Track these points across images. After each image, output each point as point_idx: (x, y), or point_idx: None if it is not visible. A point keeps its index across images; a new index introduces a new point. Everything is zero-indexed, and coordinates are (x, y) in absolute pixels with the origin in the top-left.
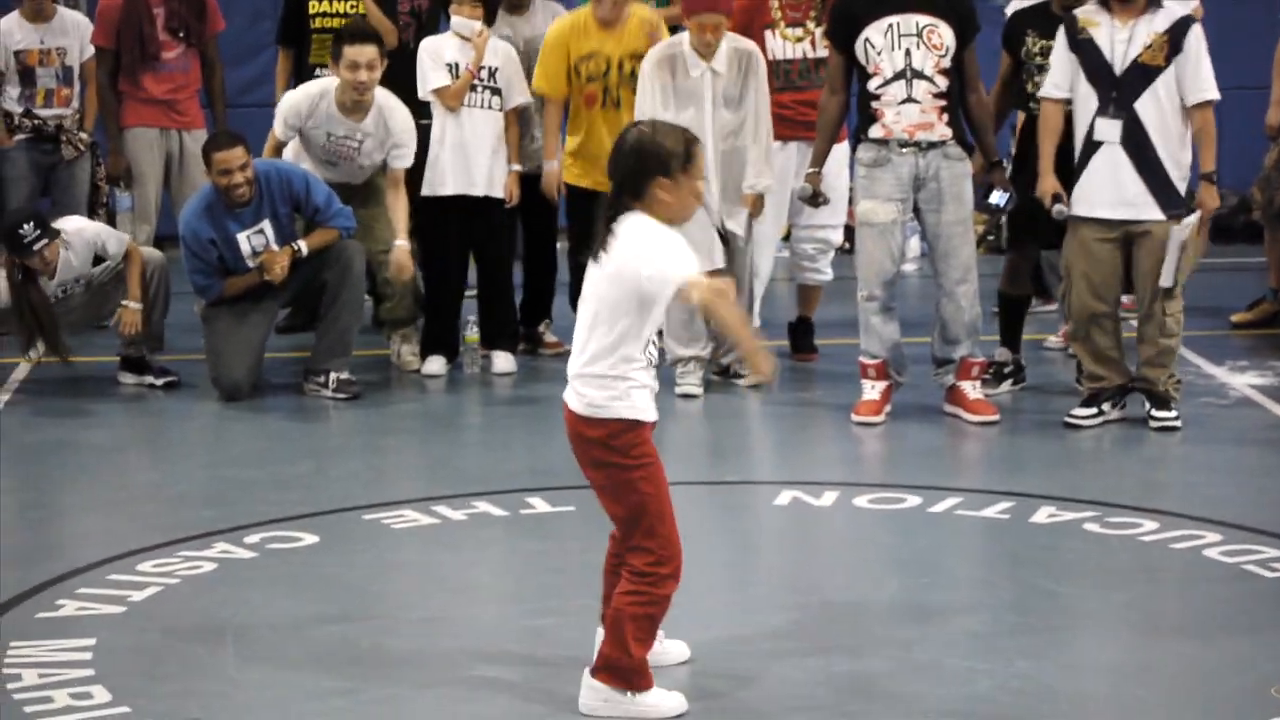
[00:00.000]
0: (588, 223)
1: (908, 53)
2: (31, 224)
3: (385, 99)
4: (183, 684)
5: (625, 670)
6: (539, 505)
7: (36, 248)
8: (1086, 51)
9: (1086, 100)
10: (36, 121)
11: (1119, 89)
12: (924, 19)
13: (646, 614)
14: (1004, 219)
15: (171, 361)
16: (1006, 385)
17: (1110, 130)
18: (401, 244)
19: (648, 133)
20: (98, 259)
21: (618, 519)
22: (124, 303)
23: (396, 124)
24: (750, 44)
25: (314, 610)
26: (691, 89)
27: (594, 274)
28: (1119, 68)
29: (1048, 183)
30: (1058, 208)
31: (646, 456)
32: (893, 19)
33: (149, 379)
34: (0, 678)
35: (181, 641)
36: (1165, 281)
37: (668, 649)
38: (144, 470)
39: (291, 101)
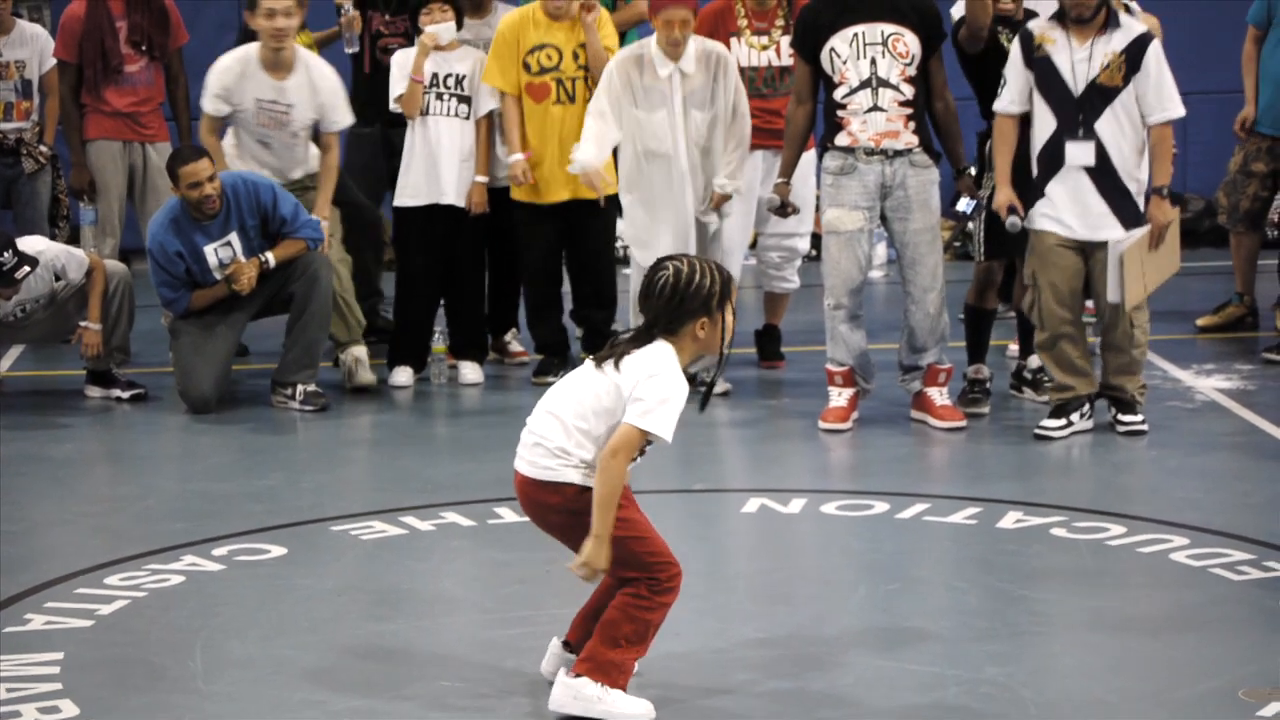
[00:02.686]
0: (537, 235)
1: (873, 61)
2: (10, 252)
3: (309, 57)
4: (151, 697)
5: (607, 665)
6: (507, 515)
7: (18, 276)
8: (1043, 70)
9: (1043, 117)
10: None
11: (1081, 110)
12: (889, 28)
13: (644, 618)
14: (978, 228)
15: (139, 374)
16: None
17: (1083, 154)
18: (321, 220)
19: (685, 272)
20: (57, 277)
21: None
22: (83, 324)
23: (324, 83)
24: (719, 45)
25: (282, 622)
26: (660, 90)
27: (595, 375)
28: (1077, 89)
29: (1004, 194)
30: (1011, 219)
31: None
32: (858, 28)
33: (115, 392)
34: None
35: (150, 654)
36: (1112, 298)
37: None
38: (111, 483)
39: (218, 68)
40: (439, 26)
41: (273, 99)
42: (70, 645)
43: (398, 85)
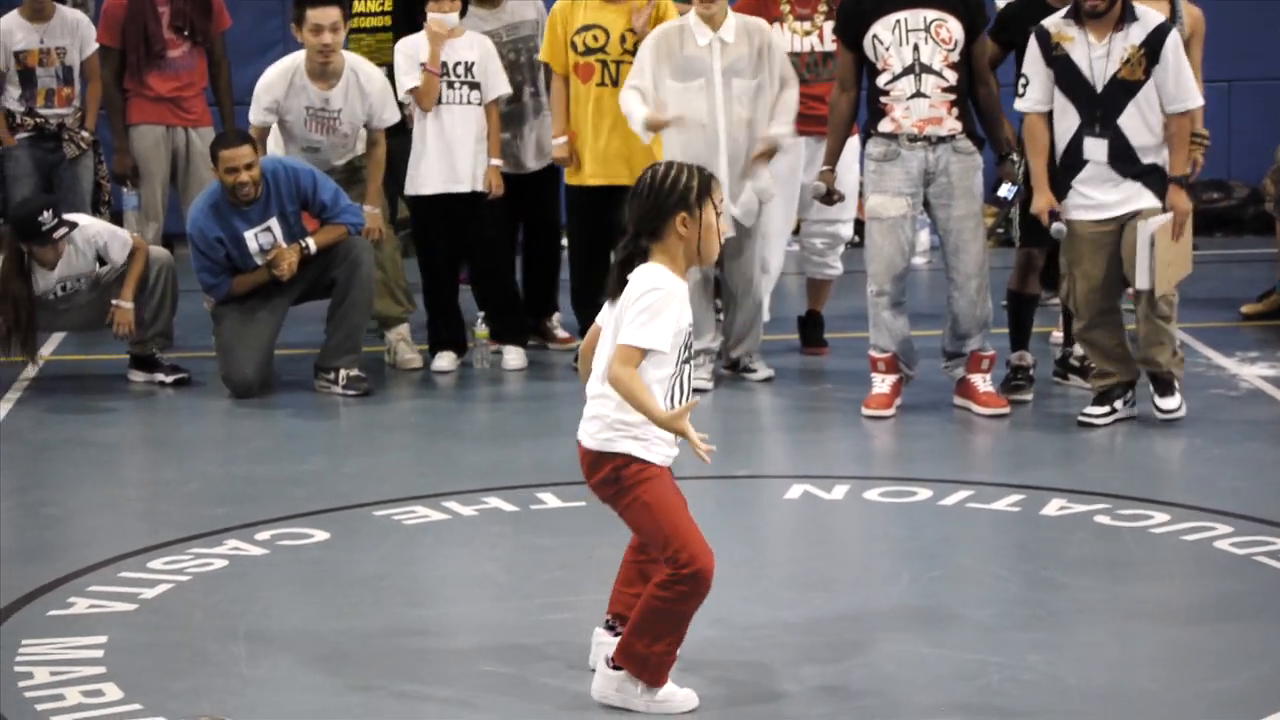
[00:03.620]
0: (587, 219)
1: (916, 48)
2: (50, 212)
3: (355, 61)
4: (194, 681)
5: (644, 661)
6: (549, 501)
7: (55, 236)
8: (1063, 68)
9: (1065, 113)
10: (38, 120)
11: (1101, 106)
12: (932, 13)
13: (672, 610)
14: (1016, 214)
15: (181, 359)
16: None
17: (1097, 149)
18: (371, 209)
19: (662, 170)
20: (100, 260)
21: (641, 538)
22: (115, 301)
23: (372, 85)
24: (761, 21)
25: (325, 607)
26: (699, 59)
27: (608, 317)
28: (1099, 85)
29: (1043, 199)
30: (1056, 226)
31: (645, 477)
32: (900, 14)
33: (159, 376)
34: (12, 675)
35: (193, 638)
36: (1141, 283)
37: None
38: (154, 468)
39: (266, 81)
40: (444, 15)
41: (321, 106)
42: (114, 629)
43: (406, 77)
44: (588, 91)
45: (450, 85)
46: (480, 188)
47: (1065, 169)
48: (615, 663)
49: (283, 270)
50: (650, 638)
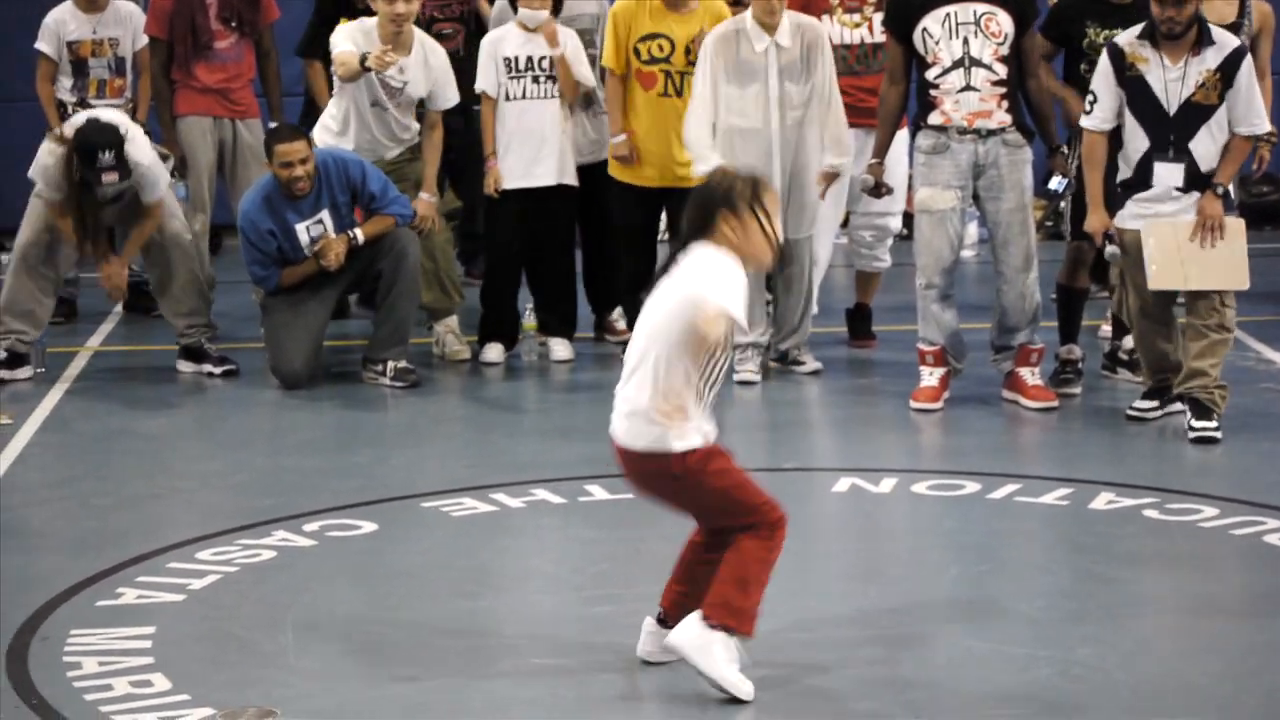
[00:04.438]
0: (635, 216)
1: (965, 41)
2: (110, 154)
3: (424, 37)
4: (242, 672)
5: (739, 611)
6: (597, 493)
7: (104, 180)
8: (1135, 89)
9: (1134, 135)
10: (90, 110)
11: (1173, 130)
12: (981, 7)
13: (769, 558)
14: (1067, 207)
15: (230, 350)
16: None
17: (1173, 175)
18: (426, 197)
19: (715, 176)
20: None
21: (708, 520)
22: (110, 259)
23: (437, 60)
24: (814, 20)
25: (373, 598)
26: (755, 63)
27: (649, 306)
28: (1172, 108)
29: (1097, 219)
30: (1110, 250)
31: (698, 459)
32: (950, 8)
33: (206, 367)
34: (61, 665)
35: (241, 629)
36: (1152, 284)
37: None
38: (203, 459)
39: (347, 31)
40: (535, 10)
41: (389, 74)
42: (162, 619)
43: (481, 77)
44: (649, 99)
45: (535, 80)
46: (566, 180)
47: (1129, 189)
48: (708, 616)
49: (330, 260)
50: (749, 588)
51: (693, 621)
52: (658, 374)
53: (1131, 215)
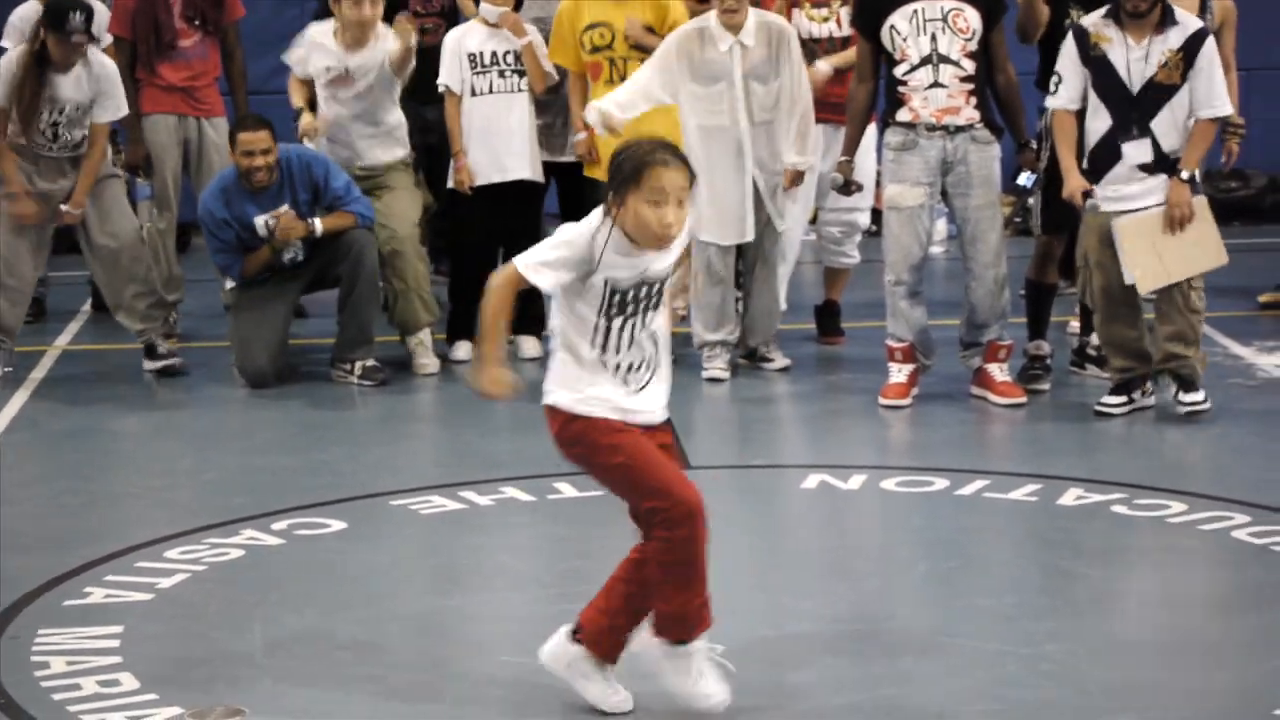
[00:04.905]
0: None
1: (933, 37)
2: (80, 16)
3: (382, 31)
4: (210, 670)
5: (672, 618)
6: (567, 490)
7: (74, 40)
8: (1100, 69)
9: (1098, 115)
10: None
11: (1136, 109)
12: (949, 3)
13: (671, 560)
14: (1036, 203)
15: (198, 349)
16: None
17: (1140, 153)
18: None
19: (619, 149)
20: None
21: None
22: (64, 207)
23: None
24: (781, 19)
25: (342, 596)
26: (720, 63)
27: None
28: (1135, 87)
29: (1075, 181)
30: (1090, 202)
31: (595, 438)
32: (918, 4)
33: (145, 364)
34: (28, 665)
35: (209, 628)
36: (1127, 278)
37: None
38: (170, 457)
39: (295, 52)
40: (494, 4)
41: (341, 72)
42: (130, 618)
43: (443, 72)
44: (596, 90)
45: (502, 74)
46: (528, 176)
47: (1095, 170)
48: (655, 635)
49: (285, 234)
50: (669, 593)
51: (649, 642)
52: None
53: (1102, 199)
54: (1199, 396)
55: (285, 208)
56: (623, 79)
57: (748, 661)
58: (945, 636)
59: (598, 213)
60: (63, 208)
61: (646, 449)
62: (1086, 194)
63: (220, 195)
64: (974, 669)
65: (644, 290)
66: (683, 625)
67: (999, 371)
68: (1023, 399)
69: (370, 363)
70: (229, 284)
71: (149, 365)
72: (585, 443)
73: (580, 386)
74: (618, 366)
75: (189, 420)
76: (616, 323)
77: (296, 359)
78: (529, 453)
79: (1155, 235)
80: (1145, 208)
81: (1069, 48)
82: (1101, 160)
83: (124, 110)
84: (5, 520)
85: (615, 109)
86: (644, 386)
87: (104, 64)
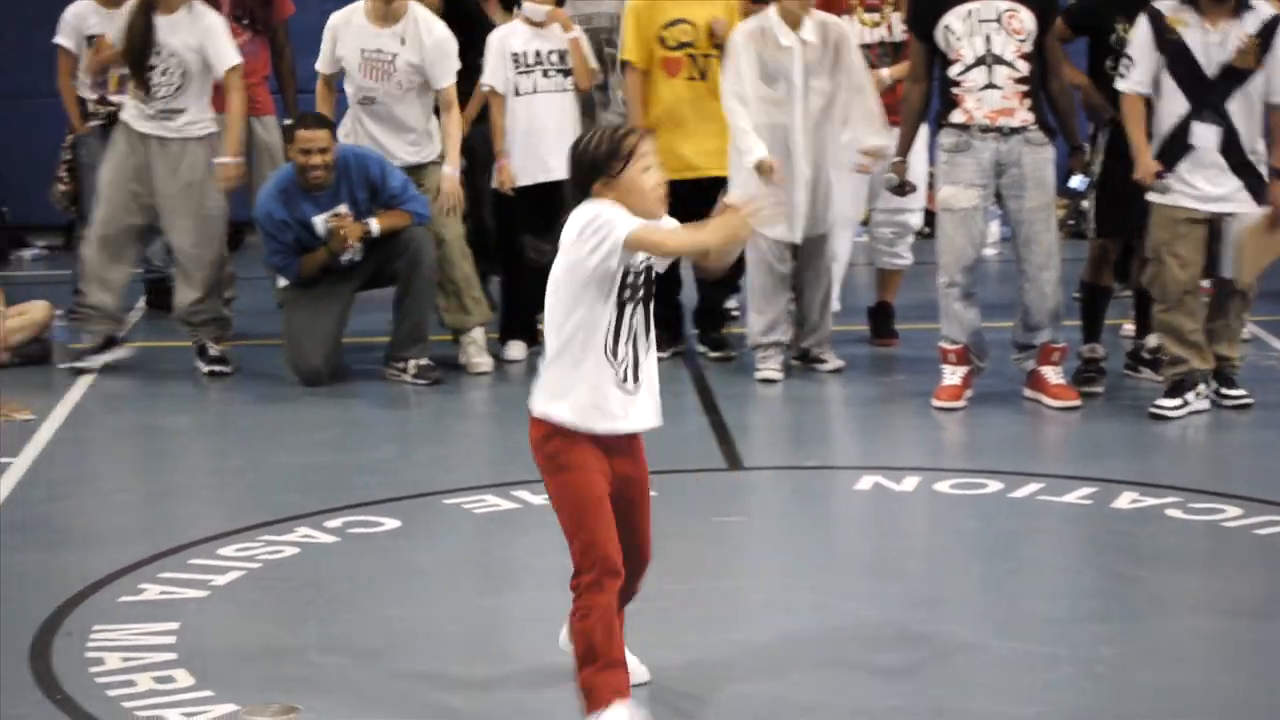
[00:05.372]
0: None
1: (988, 38)
2: None
3: (419, 9)
4: (265, 668)
5: (583, 689)
6: None
7: None
8: (1175, 53)
9: (1171, 97)
10: (110, 108)
11: (1211, 93)
12: (1004, 4)
13: (583, 628)
14: (1090, 205)
15: (251, 347)
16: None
17: (1208, 135)
18: (449, 171)
19: (580, 144)
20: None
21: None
22: (219, 160)
23: (432, 35)
24: (836, 19)
25: (395, 594)
26: (781, 59)
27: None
28: (1210, 71)
29: (1146, 163)
30: (1161, 183)
31: (566, 464)
32: (973, 5)
33: (207, 366)
34: (84, 661)
35: (264, 626)
36: (1226, 273)
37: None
38: (224, 455)
39: (328, 24)
40: (536, 5)
41: (377, 49)
42: (185, 615)
43: (487, 73)
44: (674, 85)
45: (545, 74)
46: None
47: (1168, 154)
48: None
49: (340, 242)
50: (582, 667)
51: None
52: (559, 336)
53: (1177, 191)
54: (1240, 390)
55: (343, 208)
56: (702, 75)
57: (798, 661)
58: (997, 639)
59: (593, 202)
60: (219, 160)
61: (602, 501)
62: (1159, 175)
63: (278, 196)
64: (1025, 672)
65: (643, 274)
66: (591, 697)
67: (1053, 374)
68: (1077, 402)
69: (424, 362)
70: (282, 281)
71: (201, 366)
72: (559, 461)
73: (577, 394)
74: (622, 361)
75: (242, 418)
76: (628, 310)
77: (349, 357)
78: None
79: (1261, 236)
80: (1215, 213)
81: (1142, 31)
82: (1176, 144)
83: (236, 57)
84: (60, 517)
85: (761, 143)
86: (638, 388)
87: (206, 13)
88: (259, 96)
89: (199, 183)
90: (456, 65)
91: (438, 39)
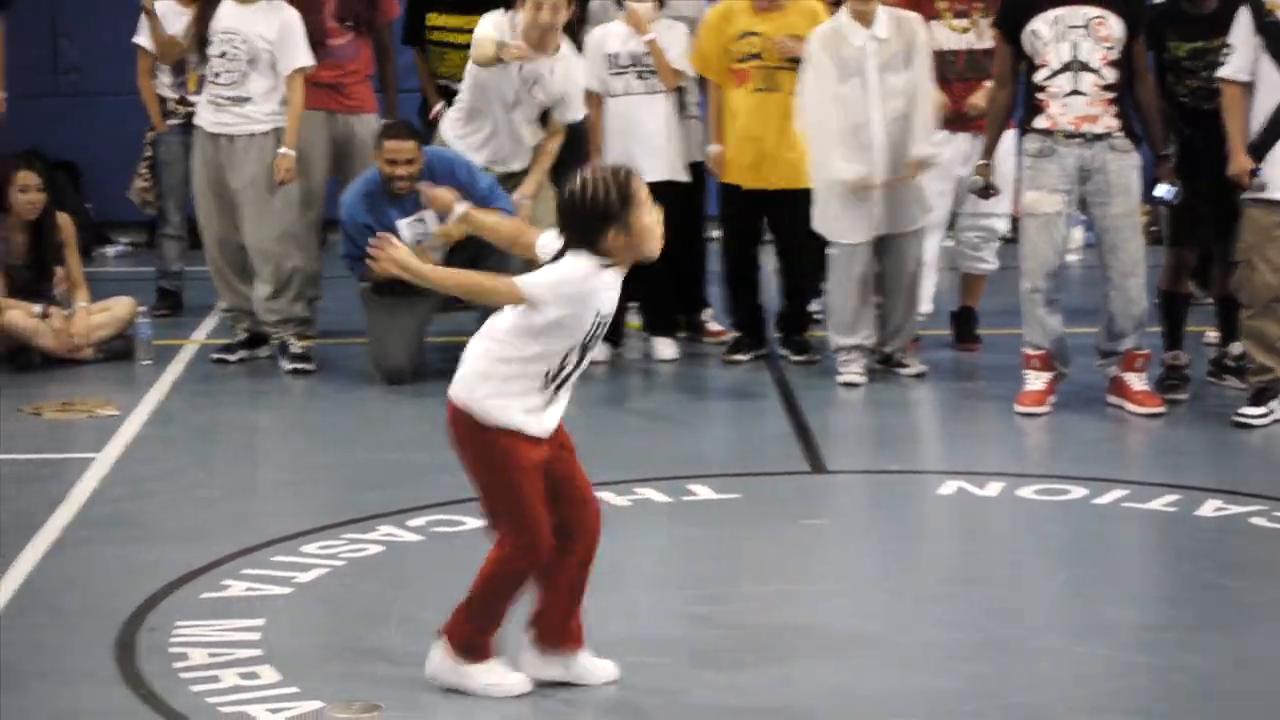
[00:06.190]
0: (741, 214)
1: (1074, 45)
2: None
3: (569, 48)
4: (350, 666)
5: (459, 641)
6: (702, 492)
7: None
8: (1275, 35)
9: (1271, 82)
10: (189, 108)
11: None
12: (1092, 11)
13: (489, 589)
14: (1164, 214)
15: (335, 345)
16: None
17: None
18: (522, 199)
19: (578, 191)
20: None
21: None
22: (281, 150)
23: (575, 72)
24: (913, 16)
25: None
26: (855, 58)
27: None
28: None
29: (1241, 160)
30: (1256, 181)
31: (496, 450)
32: (1060, 10)
33: (284, 364)
34: (168, 657)
35: (348, 623)
36: None
37: (591, 668)
38: (308, 452)
39: (493, 18)
40: (641, 3)
41: (528, 71)
42: (269, 612)
43: (590, 68)
44: (743, 95)
45: (640, 76)
46: (677, 177)
47: (1265, 140)
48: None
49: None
50: (471, 618)
51: (437, 649)
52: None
53: (1273, 188)
54: None
55: (428, 213)
56: (772, 87)
57: (877, 665)
58: (1080, 645)
59: (577, 260)
60: (281, 150)
61: (537, 487)
62: (1253, 173)
63: (364, 200)
64: (1106, 679)
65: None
66: (462, 648)
67: (1137, 380)
68: (1160, 408)
69: None
70: None
71: (284, 364)
72: (497, 449)
73: (512, 396)
74: (559, 387)
75: (325, 415)
76: (590, 347)
77: (433, 356)
78: (665, 453)
79: None
80: None
81: (1244, 18)
82: (1270, 135)
83: (304, 60)
84: (144, 513)
85: (852, 165)
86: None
87: (285, 8)
88: (359, 94)
89: (264, 177)
90: (580, 104)
91: (577, 77)
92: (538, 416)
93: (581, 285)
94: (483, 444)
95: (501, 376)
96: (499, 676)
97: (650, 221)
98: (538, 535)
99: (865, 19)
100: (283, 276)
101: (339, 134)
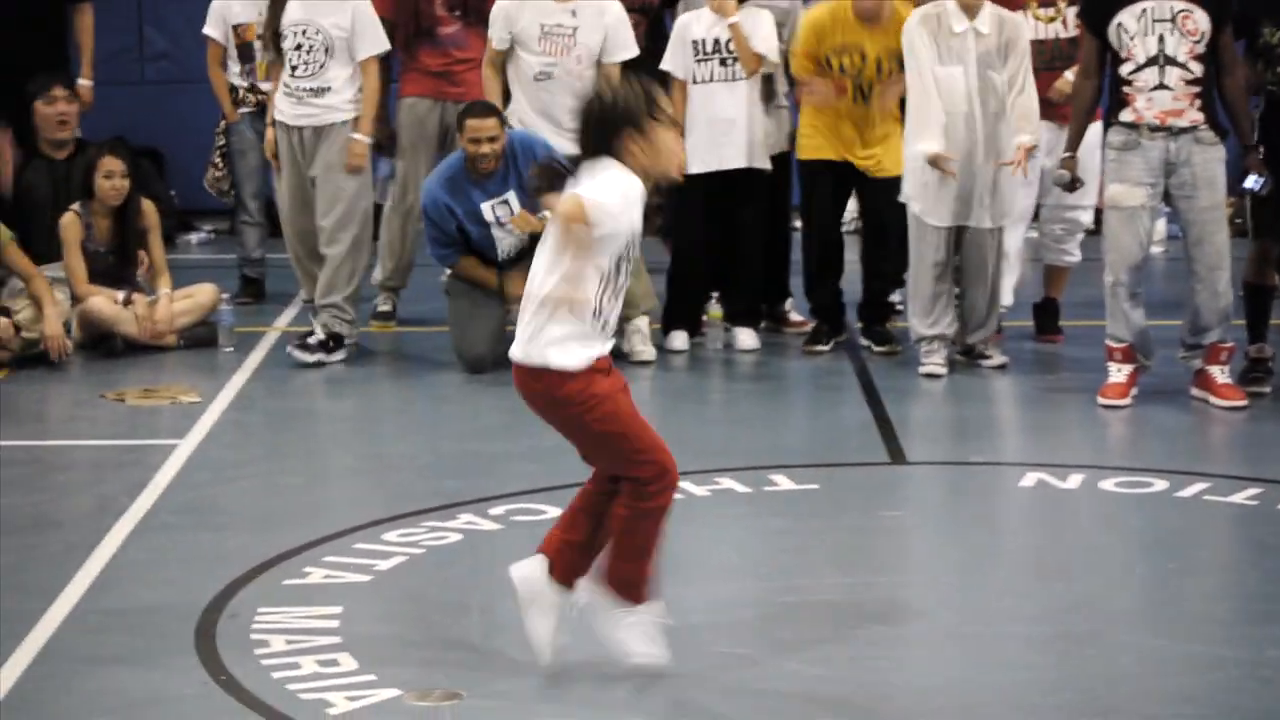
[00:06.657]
0: (824, 195)
1: (1161, 38)
2: None
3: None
4: (429, 654)
5: (622, 582)
6: (782, 483)
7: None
8: None
9: None
10: (260, 96)
11: None
12: (1179, 4)
13: (638, 528)
14: (1247, 205)
15: (415, 333)
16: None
17: None
18: None
19: (606, 93)
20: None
21: (593, 460)
22: (354, 136)
23: (612, 14)
24: (1015, 15)
25: None
26: (955, 47)
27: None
28: None
29: None
30: None
31: (592, 398)
32: (1147, 4)
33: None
34: (248, 643)
35: (428, 611)
36: None
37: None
38: (389, 440)
39: (502, 7)
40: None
41: (556, 23)
42: (349, 600)
43: (667, 58)
44: (840, 100)
45: (723, 63)
46: (756, 164)
47: None
48: (606, 588)
49: (515, 298)
50: (629, 559)
51: (588, 588)
52: (549, 284)
53: None
54: None
55: (511, 195)
56: (865, 99)
57: (958, 656)
58: (1161, 639)
59: (616, 169)
60: (354, 136)
61: (634, 414)
62: None
63: (446, 183)
64: (1191, 673)
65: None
66: (633, 590)
67: (1220, 373)
68: (1244, 402)
69: None
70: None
71: (291, 351)
72: (579, 402)
73: (568, 340)
74: (605, 318)
75: (406, 404)
76: (622, 268)
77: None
78: (745, 444)
79: None
80: None
81: None
82: None
83: (386, 44)
84: (225, 499)
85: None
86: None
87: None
88: (468, 81)
89: (337, 165)
90: (631, 40)
91: (616, 17)
92: (596, 346)
93: (626, 187)
94: (564, 396)
95: (556, 323)
96: (650, 645)
97: (671, 139)
98: (660, 455)
99: (971, 12)
100: (342, 267)
101: (448, 121)
